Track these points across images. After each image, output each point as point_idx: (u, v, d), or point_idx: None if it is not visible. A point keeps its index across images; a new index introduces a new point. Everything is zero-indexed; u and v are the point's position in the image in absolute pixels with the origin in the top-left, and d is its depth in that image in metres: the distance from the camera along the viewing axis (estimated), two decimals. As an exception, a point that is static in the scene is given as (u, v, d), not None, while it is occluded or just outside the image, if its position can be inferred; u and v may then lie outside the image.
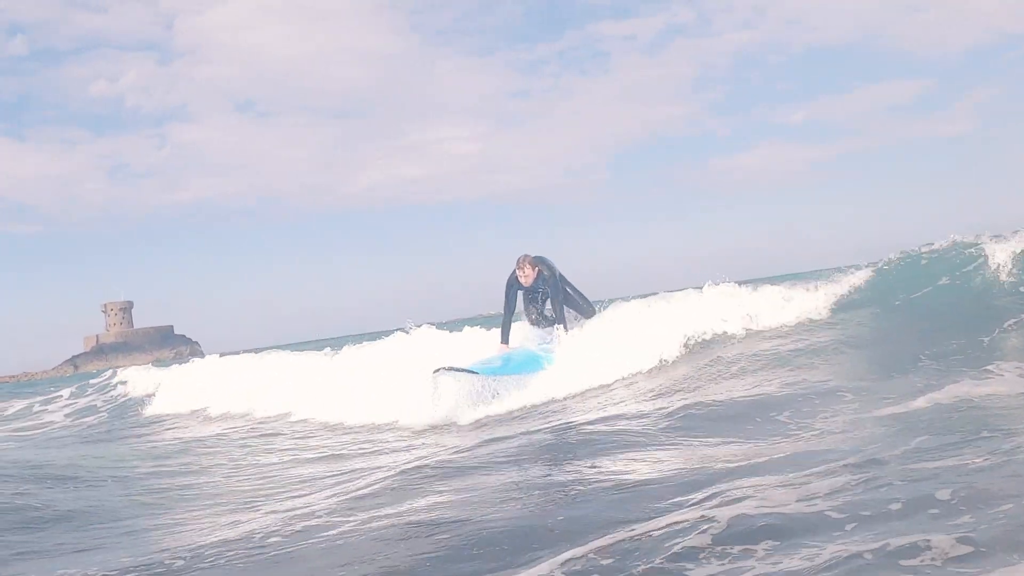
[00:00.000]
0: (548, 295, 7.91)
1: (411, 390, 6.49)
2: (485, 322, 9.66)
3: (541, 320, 8.04)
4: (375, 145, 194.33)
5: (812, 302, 7.22)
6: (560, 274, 7.96)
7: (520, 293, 7.99)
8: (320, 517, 3.46)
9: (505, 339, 7.80)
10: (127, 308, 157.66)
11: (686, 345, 7.06)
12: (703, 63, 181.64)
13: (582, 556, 2.51)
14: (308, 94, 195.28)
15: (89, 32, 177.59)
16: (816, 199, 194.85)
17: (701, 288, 7.75)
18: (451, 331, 8.97)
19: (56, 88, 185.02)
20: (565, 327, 7.68)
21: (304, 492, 4.28)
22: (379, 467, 4.65)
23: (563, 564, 2.48)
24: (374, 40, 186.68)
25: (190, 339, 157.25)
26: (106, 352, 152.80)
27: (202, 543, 3.30)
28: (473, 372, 6.37)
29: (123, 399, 15.05)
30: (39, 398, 18.39)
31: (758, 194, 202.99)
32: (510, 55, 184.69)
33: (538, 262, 7.82)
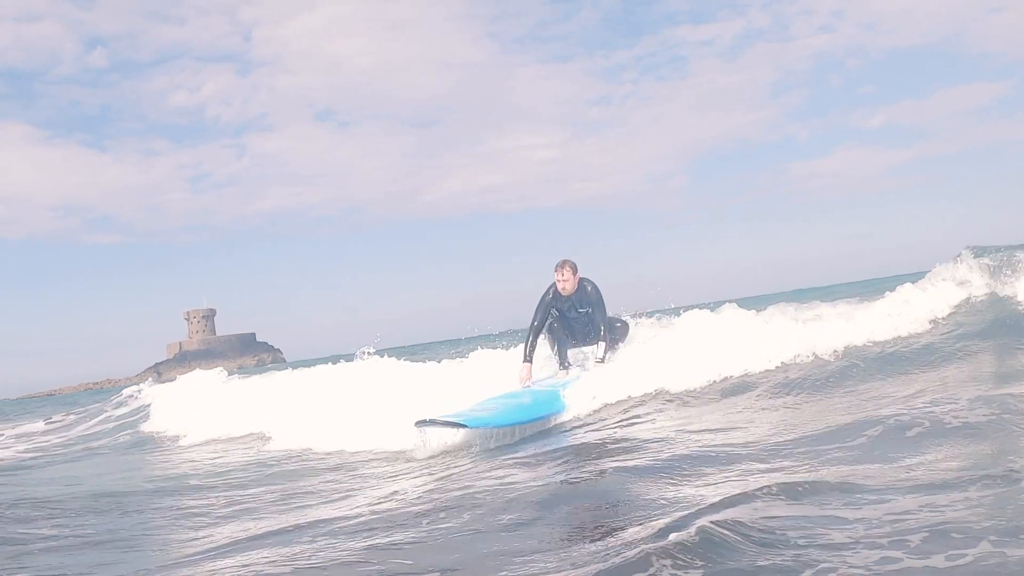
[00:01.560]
0: (586, 320, 7.09)
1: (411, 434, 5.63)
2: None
3: (567, 346, 7.22)
4: (455, 153, 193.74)
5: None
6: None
7: (552, 315, 7.14)
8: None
9: (529, 356, 6.98)
10: (209, 316, 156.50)
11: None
12: (781, 68, 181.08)
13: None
14: (387, 103, 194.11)
15: (169, 44, 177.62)
16: (895, 203, 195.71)
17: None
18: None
19: (137, 100, 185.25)
20: (605, 352, 6.92)
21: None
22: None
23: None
24: (452, 49, 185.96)
25: (272, 346, 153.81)
26: (188, 359, 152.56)
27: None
28: (461, 425, 5.42)
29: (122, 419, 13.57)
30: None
31: (837, 198, 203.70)
32: (588, 62, 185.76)
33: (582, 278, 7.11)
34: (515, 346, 8.00)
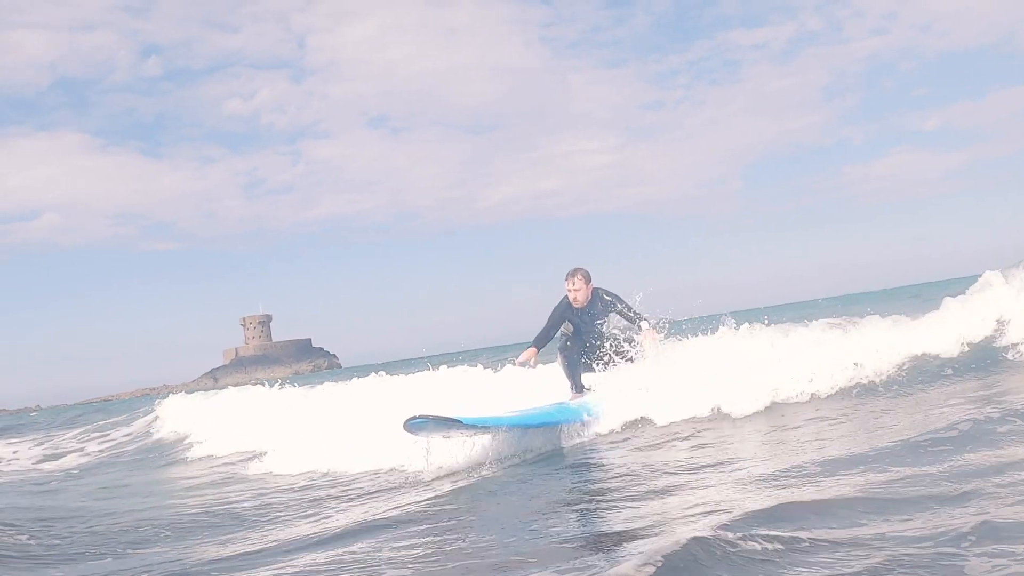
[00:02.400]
0: (600, 335, 6.48)
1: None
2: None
3: (581, 360, 6.57)
4: (509, 159, 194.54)
5: None
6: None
7: (565, 331, 6.65)
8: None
9: (537, 342, 6.61)
10: (265, 322, 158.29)
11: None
12: (835, 70, 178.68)
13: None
14: (441, 109, 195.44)
15: (223, 52, 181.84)
16: (950, 206, 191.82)
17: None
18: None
19: (191, 107, 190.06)
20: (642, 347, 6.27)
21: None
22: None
23: None
24: (505, 54, 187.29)
25: (328, 352, 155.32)
26: (245, 365, 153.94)
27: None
28: (456, 422, 4.86)
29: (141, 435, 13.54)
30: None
31: (891, 201, 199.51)
32: (641, 66, 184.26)
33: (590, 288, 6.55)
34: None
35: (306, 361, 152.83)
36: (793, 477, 3.52)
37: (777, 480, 3.51)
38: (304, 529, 4.03)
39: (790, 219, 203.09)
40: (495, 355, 9.36)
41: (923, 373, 5.87)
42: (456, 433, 5.05)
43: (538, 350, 6.63)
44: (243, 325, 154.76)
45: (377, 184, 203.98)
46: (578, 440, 5.73)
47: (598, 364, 6.50)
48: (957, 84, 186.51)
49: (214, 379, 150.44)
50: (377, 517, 3.97)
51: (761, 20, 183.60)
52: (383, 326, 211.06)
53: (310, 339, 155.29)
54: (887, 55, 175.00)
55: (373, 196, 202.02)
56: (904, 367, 5.97)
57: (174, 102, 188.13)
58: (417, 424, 4.85)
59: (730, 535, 2.52)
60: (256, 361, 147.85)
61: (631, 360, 6.36)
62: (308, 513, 4.52)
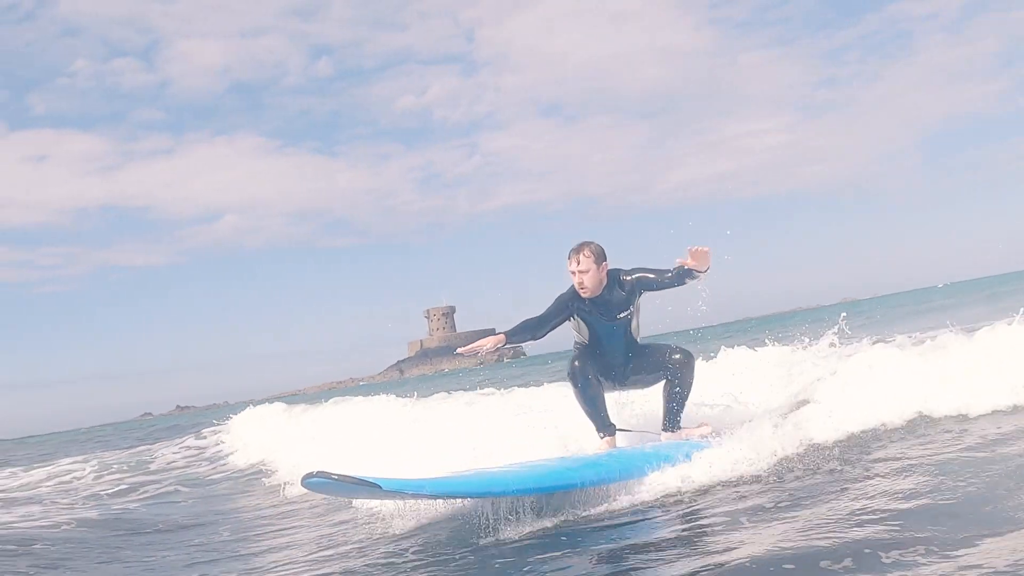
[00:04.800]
0: (627, 334, 4.89)
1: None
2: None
3: (601, 381, 4.89)
4: (683, 143, 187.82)
5: None
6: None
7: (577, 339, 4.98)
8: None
9: (512, 332, 4.94)
10: (449, 313, 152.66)
11: None
12: (1010, 36, 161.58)
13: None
14: (612, 95, 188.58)
15: (393, 50, 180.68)
16: None
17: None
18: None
19: (364, 105, 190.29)
20: (671, 405, 4.92)
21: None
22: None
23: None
24: (674, 37, 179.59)
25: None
26: (430, 356, 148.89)
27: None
28: (373, 486, 3.60)
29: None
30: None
31: None
32: (811, 43, 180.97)
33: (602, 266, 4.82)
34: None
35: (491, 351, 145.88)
36: None
37: None
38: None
39: (971, 191, 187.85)
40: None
41: None
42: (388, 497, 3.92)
43: (507, 339, 4.84)
44: (427, 317, 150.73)
45: (552, 173, 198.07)
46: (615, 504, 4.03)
47: (631, 379, 4.95)
48: None
49: (400, 371, 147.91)
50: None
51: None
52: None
53: (494, 328, 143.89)
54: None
55: (549, 185, 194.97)
56: None
57: (347, 101, 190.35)
58: (316, 483, 3.63)
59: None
60: (440, 352, 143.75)
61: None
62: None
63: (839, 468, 3.84)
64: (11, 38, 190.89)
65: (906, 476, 3.52)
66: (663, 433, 4.87)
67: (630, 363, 4.87)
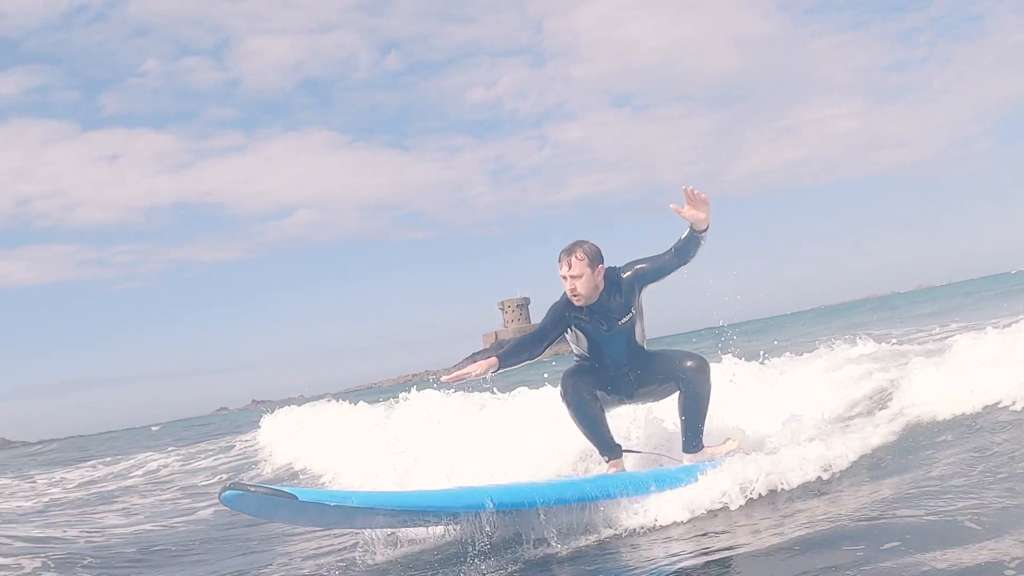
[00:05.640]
0: (629, 343, 4.36)
1: None
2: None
3: (599, 399, 4.40)
4: (755, 130, 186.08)
5: None
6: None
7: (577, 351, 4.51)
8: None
9: (504, 354, 4.35)
10: (523, 304, 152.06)
11: None
12: None
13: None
14: (682, 84, 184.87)
15: (461, 43, 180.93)
16: None
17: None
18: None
19: (434, 99, 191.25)
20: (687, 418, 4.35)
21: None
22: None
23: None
24: (743, 24, 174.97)
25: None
26: None
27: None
28: (289, 496, 3.24)
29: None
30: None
31: None
32: (881, 26, 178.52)
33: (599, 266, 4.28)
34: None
35: (564, 342, 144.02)
36: None
37: None
38: None
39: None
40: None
41: None
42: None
43: (500, 362, 4.30)
44: (501, 309, 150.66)
45: (624, 162, 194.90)
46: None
47: (639, 392, 4.43)
48: None
49: (475, 362, 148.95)
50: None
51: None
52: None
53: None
54: None
55: (621, 174, 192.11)
56: None
57: (417, 95, 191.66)
58: (233, 498, 3.36)
59: None
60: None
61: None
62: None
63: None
64: (82, 39, 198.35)
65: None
66: (685, 456, 4.34)
67: (636, 374, 4.34)
